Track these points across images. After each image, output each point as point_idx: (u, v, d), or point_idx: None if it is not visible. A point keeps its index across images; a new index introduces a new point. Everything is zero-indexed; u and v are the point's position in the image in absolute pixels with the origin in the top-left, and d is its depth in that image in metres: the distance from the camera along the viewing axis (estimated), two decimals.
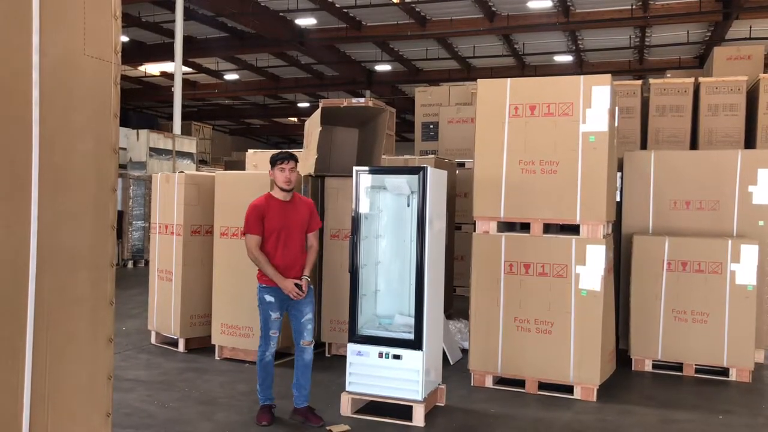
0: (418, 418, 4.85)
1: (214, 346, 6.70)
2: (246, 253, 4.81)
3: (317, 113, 6.49)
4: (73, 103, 2.09)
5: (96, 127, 2.19)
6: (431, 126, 12.33)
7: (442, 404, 5.33)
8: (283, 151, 5.01)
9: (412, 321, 4.98)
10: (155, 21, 16.31)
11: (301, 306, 4.84)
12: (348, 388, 5.07)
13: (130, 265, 14.25)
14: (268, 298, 4.75)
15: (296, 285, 4.72)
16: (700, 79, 8.94)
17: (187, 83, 21.24)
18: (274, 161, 4.81)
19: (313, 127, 6.54)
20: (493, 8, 14.88)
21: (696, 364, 6.37)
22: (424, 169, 4.90)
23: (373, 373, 4.99)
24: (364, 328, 5.13)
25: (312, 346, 4.93)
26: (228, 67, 21.08)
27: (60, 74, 2.03)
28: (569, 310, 5.56)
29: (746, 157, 6.74)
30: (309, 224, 4.95)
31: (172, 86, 15.97)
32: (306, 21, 16.07)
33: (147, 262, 13.37)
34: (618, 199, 6.92)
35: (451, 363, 6.52)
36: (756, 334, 6.25)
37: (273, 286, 4.73)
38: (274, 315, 4.75)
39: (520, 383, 5.76)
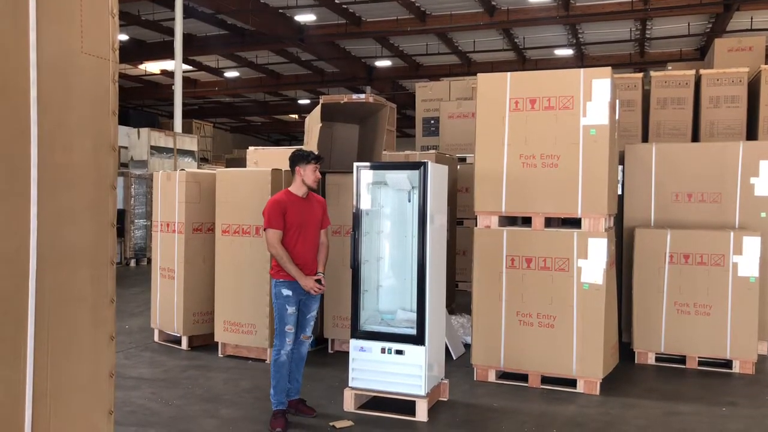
0: (422, 413, 4.86)
1: (217, 343, 6.71)
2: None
3: (317, 109, 6.48)
4: (71, 101, 2.09)
5: (94, 125, 2.18)
6: (432, 121, 12.32)
7: (445, 399, 5.33)
8: (311, 150, 5.07)
9: (414, 316, 4.98)
10: (155, 19, 16.29)
11: (310, 302, 4.89)
12: (351, 383, 5.08)
13: (132, 263, 14.26)
14: (286, 292, 4.73)
15: (316, 281, 4.75)
16: (702, 71, 8.91)
17: (187, 81, 21.22)
18: (306, 160, 4.81)
19: (313, 123, 6.53)
20: (492, 2, 14.84)
21: (699, 357, 6.37)
22: (424, 165, 4.89)
23: (375, 369, 5.00)
24: (367, 324, 5.13)
25: (310, 340, 4.97)
26: (228, 64, 21.06)
27: (58, 72, 2.02)
28: (571, 304, 5.55)
29: (748, 148, 6.72)
30: (322, 222, 4.99)
31: (173, 84, 15.98)
32: (305, 17, 16.04)
33: (149, 261, 13.39)
34: (619, 192, 6.91)
35: (454, 358, 6.52)
36: (759, 326, 6.24)
37: (290, 280, 4.73)
38: (291, 309, 4.74)
39: (523, 377, 5.76)
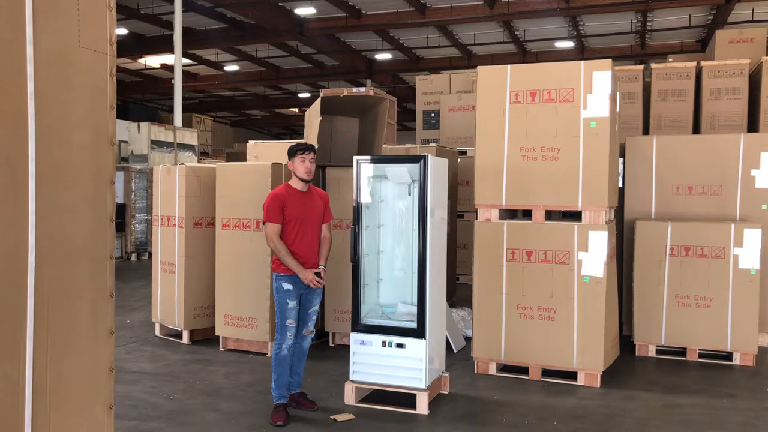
0: (422, 406, 4.87)
1: (218, 337, 6.72)
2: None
3: (317, 103, 6.46)
4: (69, 96, 2.08)
5: (93, 120, 2.18)
6: (432, 114, 12.29)
7: (446, 392, 5.34)
8: (302, 142, 5.04)
9: (414, 310, 4.98)
10: (154, 13, 16.24)
11: (312, 297, 4.88)
12: (352, 377, 5.09)
13: (133, 257, 14.27)
14: (286, 286, 4.73)
15: (316, 274, 4.75)
16: (702, 63, 8.88)
17: (187, 75, 21.18)
18: (294, 152, 4.80)
19: (313, 117, 6.52)
20: None
21: (700, 349, 6.38)
22: (424, 158, 4.88)
23: (376, 362, 5.01)
24: (367, 318, 5.14)
25: (312, 335, 4.98)
26: (228, 58, 21.00)
27: (55, 67, 2.01)
28: (572, 297, 5.55)
29: (749, 140, 6.71)
30: (323, 216, 4.97)
31: (173, 78, 15.95)
32: (305, 10, 15.98)
33: (150, 255, 13.41)
34: (620, 185, 6.90)
35: (455, 351, 6.53)
36: (760, 318, 6.24)
37: (291, 274, 4.72)
38: (292, 303, 4.74)
39: (524, 370, 5.77)
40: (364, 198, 5.13)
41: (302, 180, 4.82)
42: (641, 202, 6.98)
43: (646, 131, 8.89)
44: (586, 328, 5.52)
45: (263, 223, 4.80)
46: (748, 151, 6.64)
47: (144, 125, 15.30)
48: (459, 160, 9.86)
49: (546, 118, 5.61)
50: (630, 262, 6.74)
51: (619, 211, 6.93)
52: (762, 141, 6.76)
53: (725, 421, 4.82)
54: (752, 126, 8.56)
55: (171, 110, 17.31)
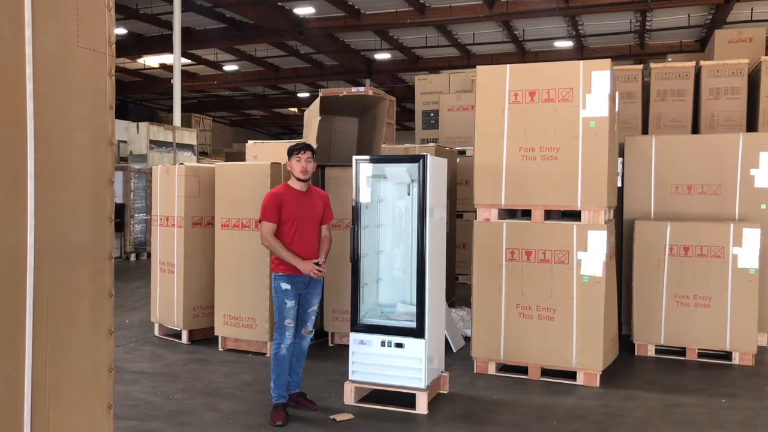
0: (422, 406, 4.87)
1: (217, 337, 6.72)
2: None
3: (316, 103, 6.46)
4: (68, 96, 2.08)
5: (92, 120, 2.17)
6: (431, 114, 12.29)
7: (446, 392, 5.34)
8: (300, 142, 5.05)
9: (414, 309, 4.98)
10: (153, 13, 16.24)
11: (310, 296, 4.88)
12: (351, 377, 5.09)
13: (132, 257, 14.27)
14: (284, 285, 4.73)
15: (315, 264, 4.74)
16: (702, 63, 8.88)
17: (186, 75, 21.19)
18: (290, 152, 4.82)
19: (312, 116, 6.52)
20: None
21: (699, 349, 6.38)
22: (423, 158, 4.89)
23: (376, 362, 5.01)
24: (367, 318, 5.14)
25: (311, 335, 4.98)
26: (227, 57, 21.01)
27: (54, 67, 2.01)
28: (571, 297, 5.56)
29: (748, 140, 6.72)
30: (323, 216, 4.97)
31: (172, 78, 15.95)
32: (304, 10, 15.99)
33: (149, 255, 13.40)
34: (619, 184, 6.91)
35: (454, 351, 6.53)
36: (759, 318, 6.24)
37: (289, 274, 4.72)
38: (290, 303, 4.74)
39: (523, 370, 5.77)
40: (364, 198, 5.13)
41: (299, 179, 4.82)
42: (640, 202, 6.99)
43: (645, 131, 8.89)
44: (585, 328, 5.53)
45: (259, 222, 4.80)
46: (747, 150, 6.64)
47: (143, 125, 15.30)
48: (458, 159, 9.86)
49: (545, 117, 5.61)
50: (629, 261, 6.74)
51: (618, 210, 6.93)
52: (761, 140, 6.76)
53: (724, 420, 4.83)
54: (751, 126, 8.56)
55: (170, 110, 17.31)
